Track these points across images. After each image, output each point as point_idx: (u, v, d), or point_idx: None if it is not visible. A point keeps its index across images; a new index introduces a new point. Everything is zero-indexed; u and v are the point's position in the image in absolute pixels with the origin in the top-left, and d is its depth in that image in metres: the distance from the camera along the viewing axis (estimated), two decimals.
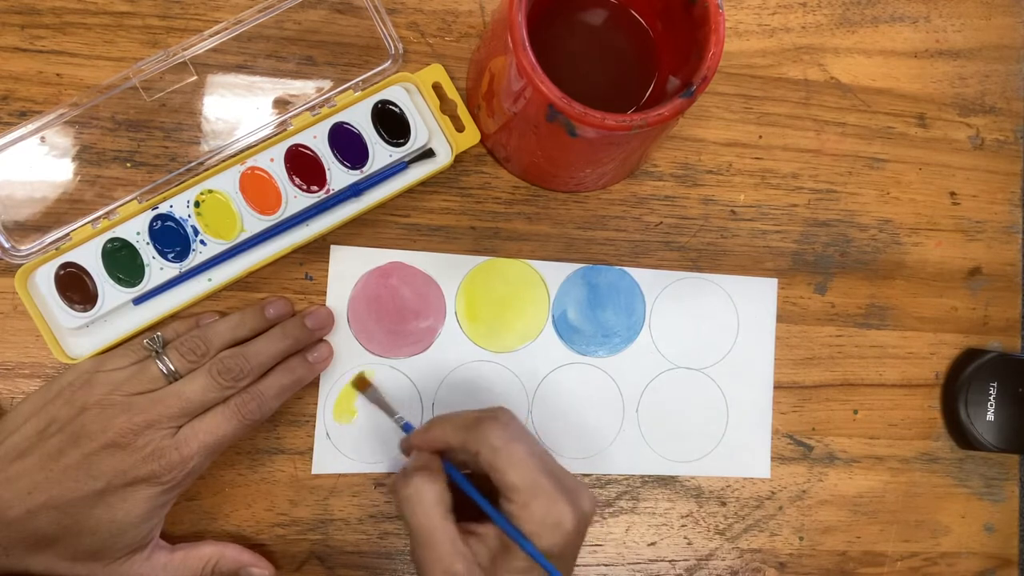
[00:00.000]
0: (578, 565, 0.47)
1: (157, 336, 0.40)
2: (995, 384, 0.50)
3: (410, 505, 0.35)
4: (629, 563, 0.47)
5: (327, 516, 0.44)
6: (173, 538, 0.41)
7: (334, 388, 0.44)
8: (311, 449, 0.44)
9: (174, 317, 0.42)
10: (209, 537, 0.43)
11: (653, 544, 0.48)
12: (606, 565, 0.47)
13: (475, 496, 0.36)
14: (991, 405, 0.50)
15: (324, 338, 0.44)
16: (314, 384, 0.44)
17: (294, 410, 0.44)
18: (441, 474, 0.37)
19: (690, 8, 0.37)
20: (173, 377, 0.38)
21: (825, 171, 0.50)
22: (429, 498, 0.35)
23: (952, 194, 0.52)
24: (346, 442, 0.44)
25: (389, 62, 0.44)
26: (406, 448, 0.41)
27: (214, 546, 0.41)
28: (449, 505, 0.36)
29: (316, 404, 0.44)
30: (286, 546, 0.44)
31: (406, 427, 0.42)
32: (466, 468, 0.38)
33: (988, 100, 0.52)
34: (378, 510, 0.45)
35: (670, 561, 0.48)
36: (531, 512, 0.34)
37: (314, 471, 0.44)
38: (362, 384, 0.44)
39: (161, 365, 0.38)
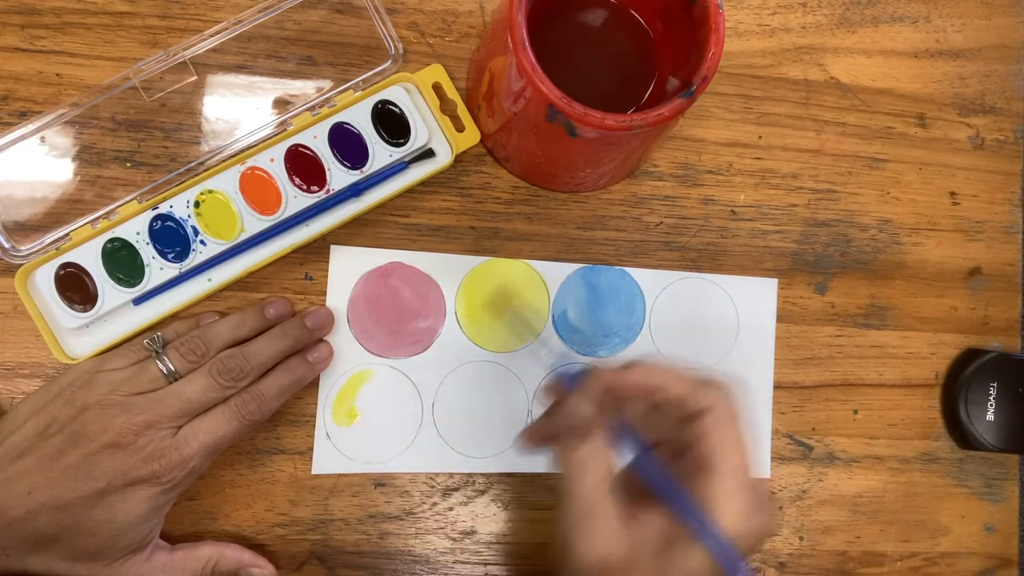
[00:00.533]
0: None
1: (157, 336, 0.40)
2: (995, 384, 0.50)
3: (579, 471, 0.31)
4: None
5: (327, 516, 0.44)
6: (173, 538, 0.41)
7: (334, 388, 0.44)
8: (311, 449, 0.44)
9: (174, 317, 0.42)
10: (209, 537, 0.43)
11: None
12: None
13: (660, 478, 0.31)
14: (991, 405, 0.50)
15: (324, 338, 0.44)
16: (314, 384, 0.44)
17: (294, 410, 0.44)
18: (610, 445, 0.32)
19: (690, 8, 0.37)
20: (173, 377, 0.38)
21: (825, 171, 0.50)
22: (602, 469, 0.31)
23: (952, 194, 0.52)
24: (346, 442, 0.44)
25: (389, 62, 0.44)
26: (578, 385, 0.34)
27: (214, 546, 0.41)
28: (614, 481, 0.31)
29: (316, 404, 0.44)
30: (286, 546, 0.44)
31: (565, 373, 0.34)
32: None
33: (988, 100, 0.52)
34: (378, 510, 0.45)
35: None
36: (733, 506, 0.30)
37: (314, 471, 0.44)
38: (502, 301, 0.37)
39: (161, 365, 0.38)
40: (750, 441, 0.31)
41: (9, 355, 0.42)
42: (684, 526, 0.30)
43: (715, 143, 0.49)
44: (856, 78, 0.51)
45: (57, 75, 0.42)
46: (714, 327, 0.49)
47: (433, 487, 0.45)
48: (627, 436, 0.32)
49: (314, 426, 0.44)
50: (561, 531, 0.32)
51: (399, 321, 0.45)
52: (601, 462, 0.31)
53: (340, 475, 0.44)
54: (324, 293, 0.44)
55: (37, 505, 0.35)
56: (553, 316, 0.47)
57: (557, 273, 0.47)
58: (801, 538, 0.49)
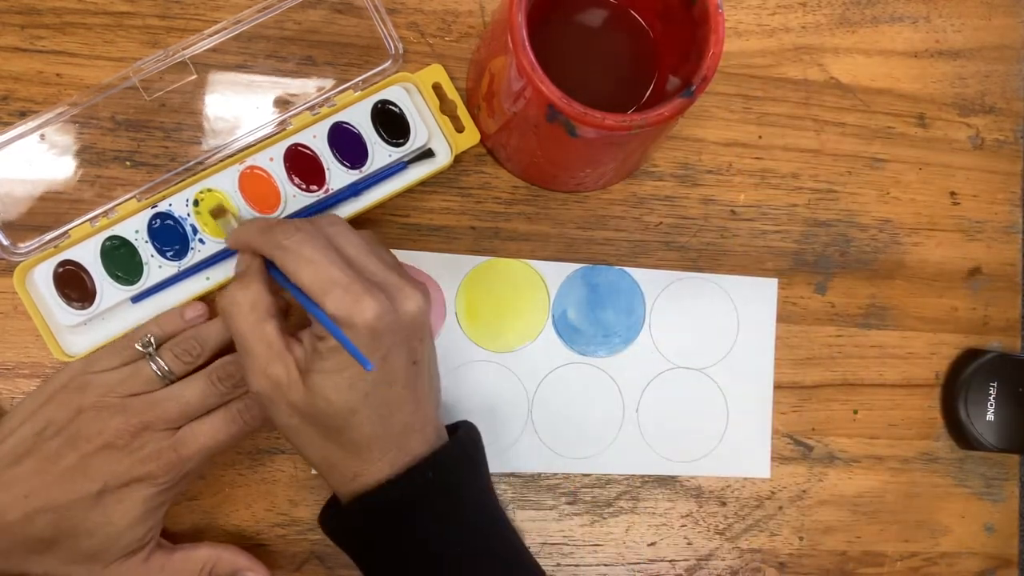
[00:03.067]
0: (578, 565, 0.47)
1: (149, 338, 0.39)
2: (995, 384, 0.50)
3: (227, 314, 0.35)
4: (629, 563, 0.47)
5: None
6: (173, 537, 0.41)
7: None
8: None
9: None
10: (209, 537, 0.43)
11: (653, 544, 0.48)
12: (606, 565, 0.47)
13: (291, 288, 0.35)
14: (991, 405, 0.50)
15: None
16: None
17: None
18: (258, 277, 0.36)
19: (690, 8, 0.37)
20: (168, 378, 0.38)
21: (825, 171, 0.50)
22: (244, 303, 0.34)
23: (952, 194, 0.52)
24: None
25: (389, 62, 0.44)
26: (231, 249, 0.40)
27: (211, 548, 0.41)
28: (268, 309, 0.35)
29: None
30: (286, 546, 0.44)
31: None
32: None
33: (988, 100, 0.52)
34: None
35: (670, 561, 0.48)
36: (323, 307, 0.33)
37: (314, 471, 0.44)
38: (218, 212, 0.41)
39: (155, 367, 0.38)
40: (351, 251, 0.35)
41: (9, 355, 0.42)
42: (319, 329, 0.34)
43: (715, 143, 0.49)
44: (856, 78, 0.51)
45: (57, 75, 0.42)
46: (714, 327, 0.49)
47: None
48: (272, 272, 0.36)
49: None
50: (243, 374, 0.35)
51: None
52: (241, 301, 0.34)
53: None
54: None
55: (34, 508, 0.35)
56: (553, 316, 0.47)
57: (557, 273, 0.47)
58: (801, 538, 0.49)
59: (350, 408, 0.34)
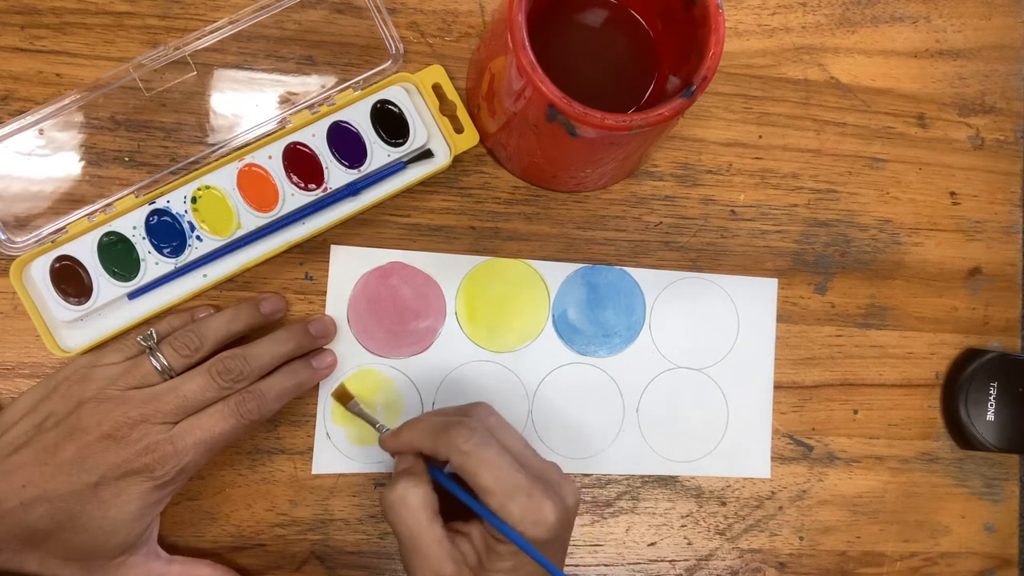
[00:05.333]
0: (578, 565, 0.47)
1: (150, 332, 0.40)
2: (995, 384, 0.50)
3: (395, 511, 0.35)
4: (629, 563, 0.47)
5: (327, 516, 0.44)
6: (173, 539, 0.41)
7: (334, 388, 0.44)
8: (311, 449, 0.44)
9: (168, 312, 0.42)
10: (209, 537, 0.43)
11: (653, 544, 0.48)
12: (606, 565, 0.47)
13: (460, 494, 0.36)
14: (991, 405, 0.50)
15: (327, 347, 0.44)
16: (314, 385, 0.44)
17: (294, 410, 0.44)
18: (425, 476, 0.37)
19: (690, 8, 0.37)
20: (168, 372, 0.38)
21: (825, 171, 0.50)
22: (414, 502, 0.35)
23: (952, 194, 0.52)
24: (346, 442, 0.44)
25: (389, 62, 0.44)
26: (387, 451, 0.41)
27: (212, 568, 0.41)
28: (435, 508, 0.36)
29: (316, 404, 0.44)
30: (286, 546, 0.44)
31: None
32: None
33: (988, 100, 0.52)
34: (378, 510, 0.45)
35: (670, 561, 0.48)
36: (509, 512, 0.34)
37: (314, 471, 0.44)
38: (344, 397, 0.44)
39: (155, 361, 0.38)
40: (515, 445, 0.37)
41: (9, 355, 0.42)
42: (495, 530, 0.35)
43: (715, 143, 0.49)
44: (856, 78, 0.51)
45: (57, 75, 0.42)
46: (714, 327, 0.49)
47: None
48: (435, 474, 0.37)
49: (314, 426, 0.44)
50: (406, 569, 0.36)
51: (399, 321, 0.45)
52: (411, 499, 0.35)
53: (340, 475, 0.44)
54: (324, 293, 0.44)
55: (31, 498, 0.35)
56: (553, 316, 0.47)
57: (557, 273, 0.47)
58: (801, 538, 0.49)
59: None
